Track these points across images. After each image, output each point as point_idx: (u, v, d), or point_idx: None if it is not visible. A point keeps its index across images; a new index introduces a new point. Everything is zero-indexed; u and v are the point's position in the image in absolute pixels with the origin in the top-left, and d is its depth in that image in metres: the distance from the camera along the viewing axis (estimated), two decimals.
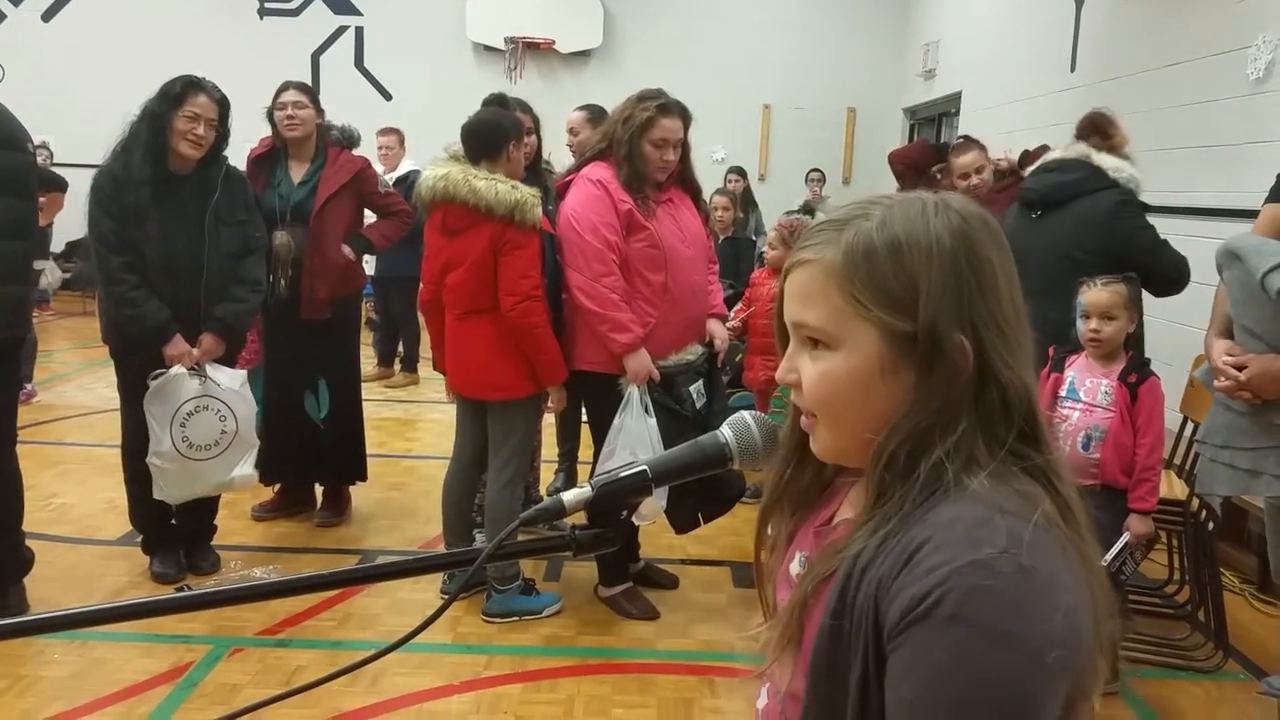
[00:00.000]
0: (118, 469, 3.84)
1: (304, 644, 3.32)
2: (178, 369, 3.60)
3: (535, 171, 4.06)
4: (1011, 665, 0.74)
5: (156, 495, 3.67)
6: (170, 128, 3.53)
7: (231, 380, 3.73)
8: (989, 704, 0.74)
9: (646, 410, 3.37)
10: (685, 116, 3.45)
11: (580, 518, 0.95)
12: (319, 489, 4.55)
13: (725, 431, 0.99)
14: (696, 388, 3.53)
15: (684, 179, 3.59)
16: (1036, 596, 0.75)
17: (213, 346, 3.67)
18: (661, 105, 3.39)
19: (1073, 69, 6.59)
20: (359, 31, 11.20)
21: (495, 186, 3.26)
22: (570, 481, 4.93)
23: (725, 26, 11.05)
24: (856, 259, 0.87)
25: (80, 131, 9.74)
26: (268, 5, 11.09)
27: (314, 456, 4.38)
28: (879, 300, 0.87)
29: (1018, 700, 0.74)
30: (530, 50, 10.97)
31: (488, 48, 10.97)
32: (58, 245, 9.69)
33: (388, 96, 11.07)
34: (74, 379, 7.40)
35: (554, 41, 10.94)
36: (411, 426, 6.28)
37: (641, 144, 3.36)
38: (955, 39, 9.33)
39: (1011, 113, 7.53)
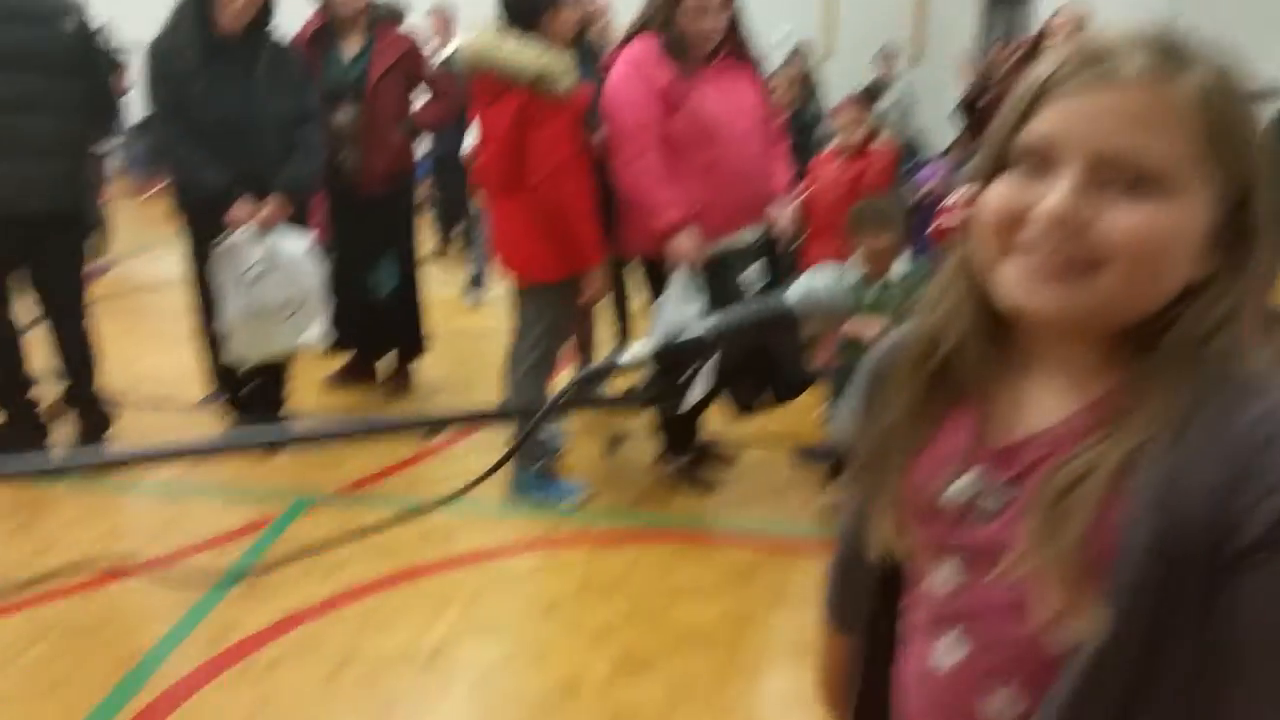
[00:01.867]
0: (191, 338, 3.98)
1: (376, 503, 3.47)
2: (243, 232, 3.63)
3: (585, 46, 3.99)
4: None
5: (225, 360, 3.79)
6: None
7: (298, 244, 3.76)
8: None
9: (694, 294, 3.27)
10: None
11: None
12: (382, 366, 4.66)
13: (791, 291, 0.93)
14: (753, 272, 3.41)
15: (737, 47, 3.38)
16: None
17: (278, 210, 3.69)
18: None
19: None
20: None
21: (522, 53, 3.09)
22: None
23: None
24: (1217, 97, 0.75)
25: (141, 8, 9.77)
26: None
27: (378, 331, 4.49)
28: (1232, 153, 0.75)
29: None
30: None
31: None
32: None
33: None
34: (150, 251, 7.56)
35: None
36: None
37: (677, 10, 3.19)
38: None
39: None
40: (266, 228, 3.67)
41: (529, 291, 3.45)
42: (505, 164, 3.23)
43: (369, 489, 3.57)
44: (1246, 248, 0.76)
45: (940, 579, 0.88)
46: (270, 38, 3.69)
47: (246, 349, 3.77)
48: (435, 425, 0.94)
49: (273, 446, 0.86)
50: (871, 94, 6.37)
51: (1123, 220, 0.73)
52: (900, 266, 3.37)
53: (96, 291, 5.67)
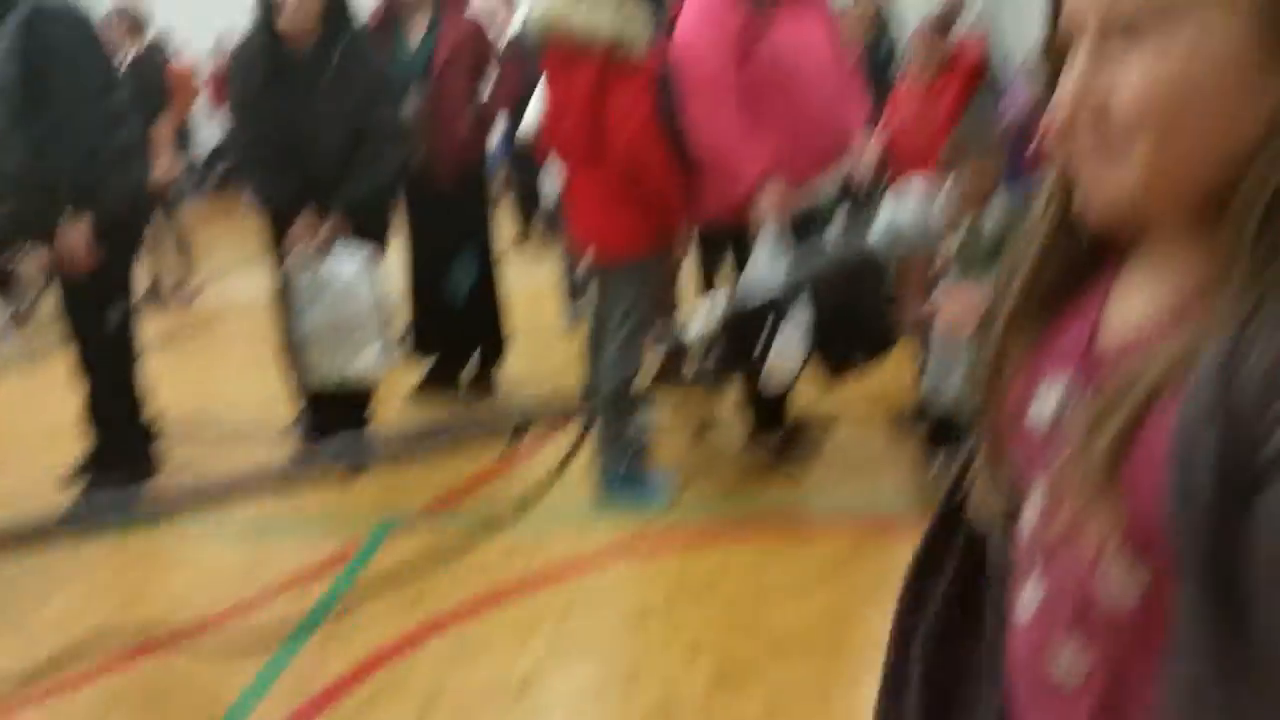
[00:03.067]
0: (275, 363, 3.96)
1: (463, 519, 3.37)
2: (302, 250, 3.58)
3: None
4: None
5: (300, 384, 3.75)
6: (277, 8, 3.48)
7: (349, 266, 3.65)
8: None
9: (784, 250, 3.08)
10: None
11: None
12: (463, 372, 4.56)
13: (874, 231, 0.84)
14: (840, 218, 3.24)
15: None
16: None
17: (334, 230, 3.61)
18: None
19: None
20: None
21: (597, 14, 2.95)
22: None
23: None
24: None
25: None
26: None
27: (458, 335, 4.40)
28: None
29: None
30: None
31: None
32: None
33: None
34: (238, 274, 7.67)
35: None
36: (554, 296, 6.24)
37: None
38: None
39: None
40: (322, 249, 3.60)
41: (614, 268, 3.31)
42: (584, 134, 3.12)
43: (454, 506, 3.48)
44: None
45: (1029, 512, 0.75)
46: (341, 45, 3.58)
47: (311, 374, 3.73)
48: (511, 427, 0.90)
49: (345, 466, 0.80)
50: (946, 22, 5.97)
51: (1127, 79, 0.62)
52: (996, 206, 3.06)
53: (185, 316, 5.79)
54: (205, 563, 3.27)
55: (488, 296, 4.40)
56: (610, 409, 3.32)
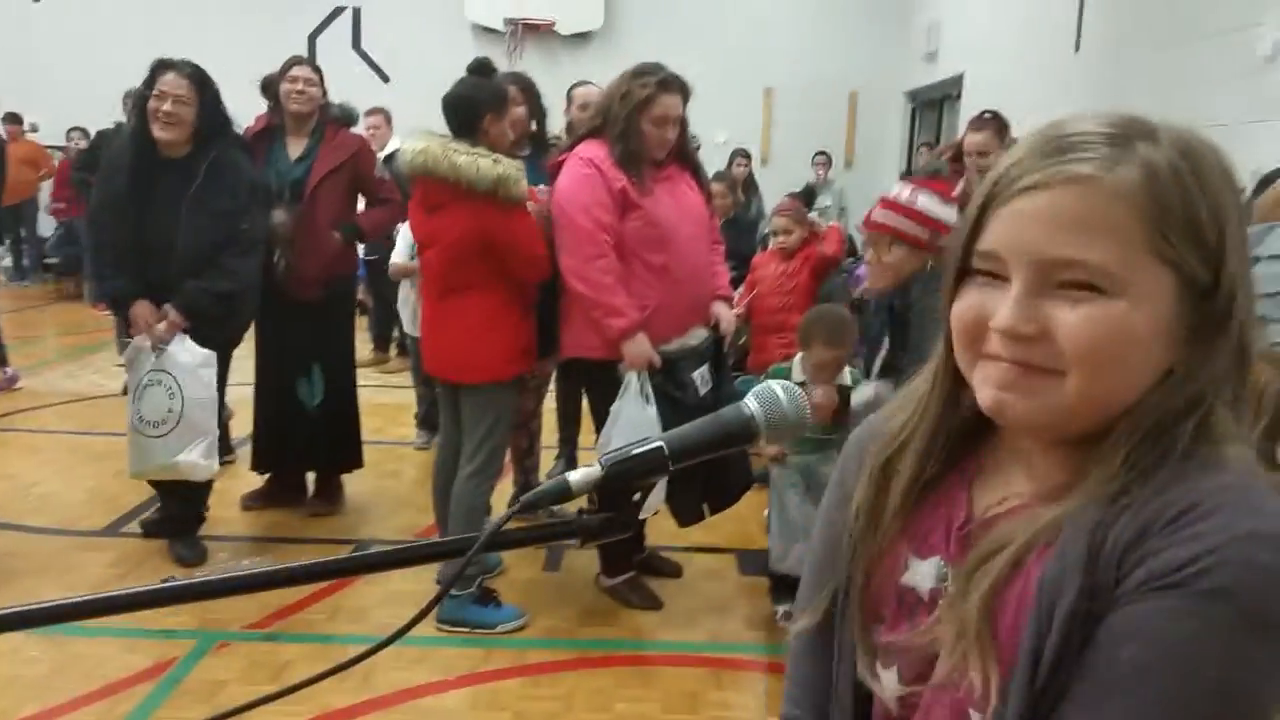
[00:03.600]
0: (103, 457, 3.74)
1: (293, 638, 3.20)
2: (140, 340, 3.51)
3: (540, 146, 3.96)
4: (1263, 660, 0.65)
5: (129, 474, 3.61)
6: (149, 112, 3.46)
7: (191, 359, 3.55)
8: (1222, 694, 0.65)
9: (647, 399, 3.22)
10: (685, 92, 3.29)
11: (583, 503, 0.83)
12: (311, 478, 4.42)
13: (750, 403, 0.85)
14: (701, 373, 3.36)
15: (682, 154, 3.42)
16: None
17: (173, 320, 3.52)
18: (661, 81, 3.22)
19: (1077, 49, 6.45)
20: (356, 12, 11.04)
21: (476, 162, 3.06)
22: (571, 467, 4.78)
23: (726, 8, 10.90)
24: (1165, 183, 0.71)
25: (65, 111, 9.67)
26: None
27: (306, 444, 4.25)
28: (1189, 239, 0.71)
29: (1250, 698, 0.66)
30: (530, 32, 10.82)
31: (487, 29, 10.82)
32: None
33: (385, 79, 10.90)
34: (60, 365, 7.26)
35: (554, 22, 10.78)
36: (407, 412, 6.13)
37: (640, 122, 3.20)
38: (957, 19, 9.19)
39: (1015, 94, 7.39)
40: (161, 338, 3.51)
41: (469, 392, 3.33)
42: (454, 266, 3.21)
43: (286, 621, 3.30)
44: (1216, 329, 0.73)
45: (888, 679, 0.86)
46: (214, 152, 3.56)
47: (135, 462, 3.58)
48: (373, 565, 0.85)
49: (183, 599, 0.73)
50: (808, 195, 6.39)
51: (1072, 325, 0.71)
52: (846, 376, 3.30)
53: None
54: (12, 666, 2.98)
55: (342, 408, 4.30)
56: (469, 518, 3.28)
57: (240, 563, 3.78)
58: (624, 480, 0.82)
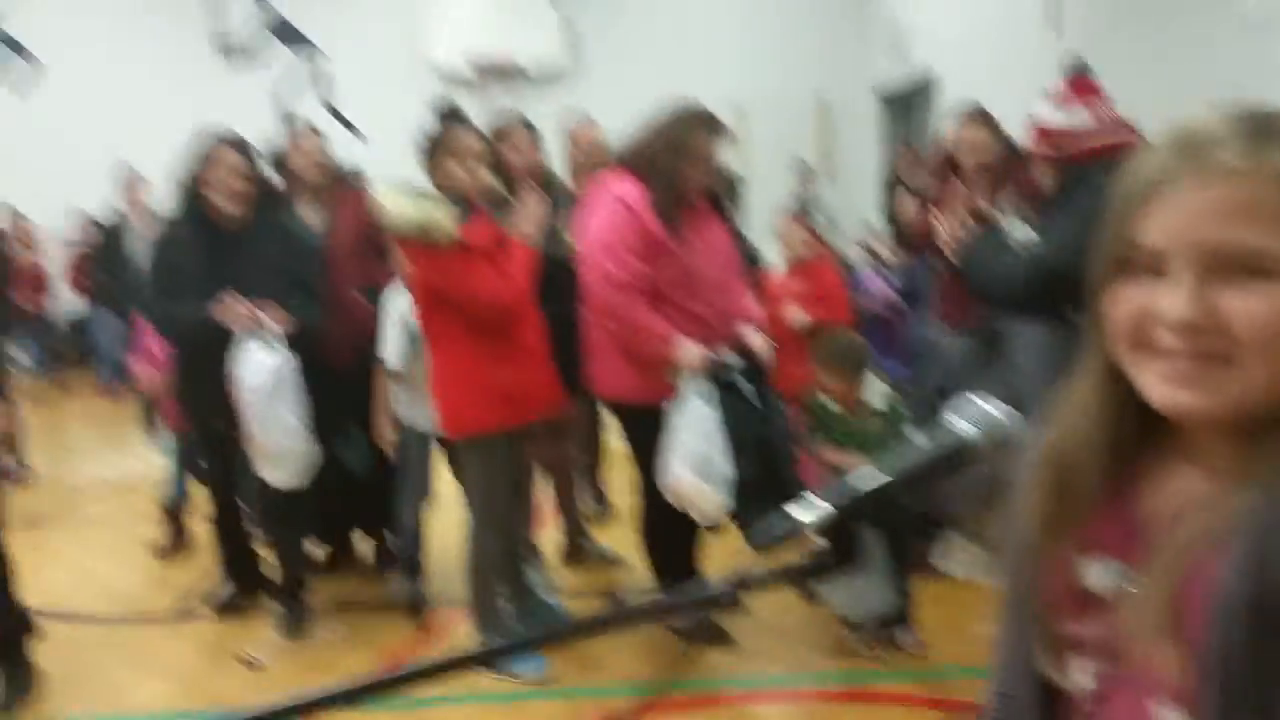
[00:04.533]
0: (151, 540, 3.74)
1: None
2: (246, 340, 3.41)
3: (550, 185, 4.00)
4: None
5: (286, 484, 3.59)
6: (205, 187, 3.50)
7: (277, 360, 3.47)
8: None
9: (708, 402, 3.14)
10: (726, 133, 3.34)
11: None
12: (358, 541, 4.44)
13: (958, 422, 0.85)
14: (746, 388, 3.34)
15: (710, 191, 3.44)
16: None
17: (277, 316, 3.47)
18: (707, 125, 3.25)
19: (1060, 34, 6.52)
20: (321, 72, 11.13)
21: (403, 206, 3.05)
22: (601, 499, 4.85)
23: (688, 30, 11.02)
24: None
25: (57, 197, 9.71)
26: (229, 51, 11.04)
27: (355, 509, 4.31)
28: None
29: None
30: (496, 76, 10.93)
31: (454, 79, 10.94)
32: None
33: (358, 134, 10.96)
34: (92, 453, 7.27)
35: (515, 59, 10.92)
36: None
37: (683, 166, 3.21)
38: (928, 14, 9.29)
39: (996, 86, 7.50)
40: (253, 327, 3.42)
41: (459, 447, 3.35)
42: (422, 317, 3.25)
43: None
44: None
45: (1079, 673, 0.88)
46: (271, 217, 3.63)
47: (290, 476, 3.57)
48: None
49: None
50: (803, 210, 6.49)
51: (1247, 312, 0.74)
52: (877, 397, 3.42)
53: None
54: None
55: (386, 469, 4.34)
56: (481, 579, 3.32)
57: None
58: (856, 515, 0.84)
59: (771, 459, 3.32)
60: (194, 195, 3.53)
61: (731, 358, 3.35)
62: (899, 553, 3.23)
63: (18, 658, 3.25)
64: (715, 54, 10.94)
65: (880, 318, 5.24)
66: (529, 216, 3.44)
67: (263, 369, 3.40)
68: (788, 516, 0.83)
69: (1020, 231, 3.33)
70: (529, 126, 4.04)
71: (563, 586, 3.94)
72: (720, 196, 3.59)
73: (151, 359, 4.30)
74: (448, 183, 3.19)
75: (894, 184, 6.53)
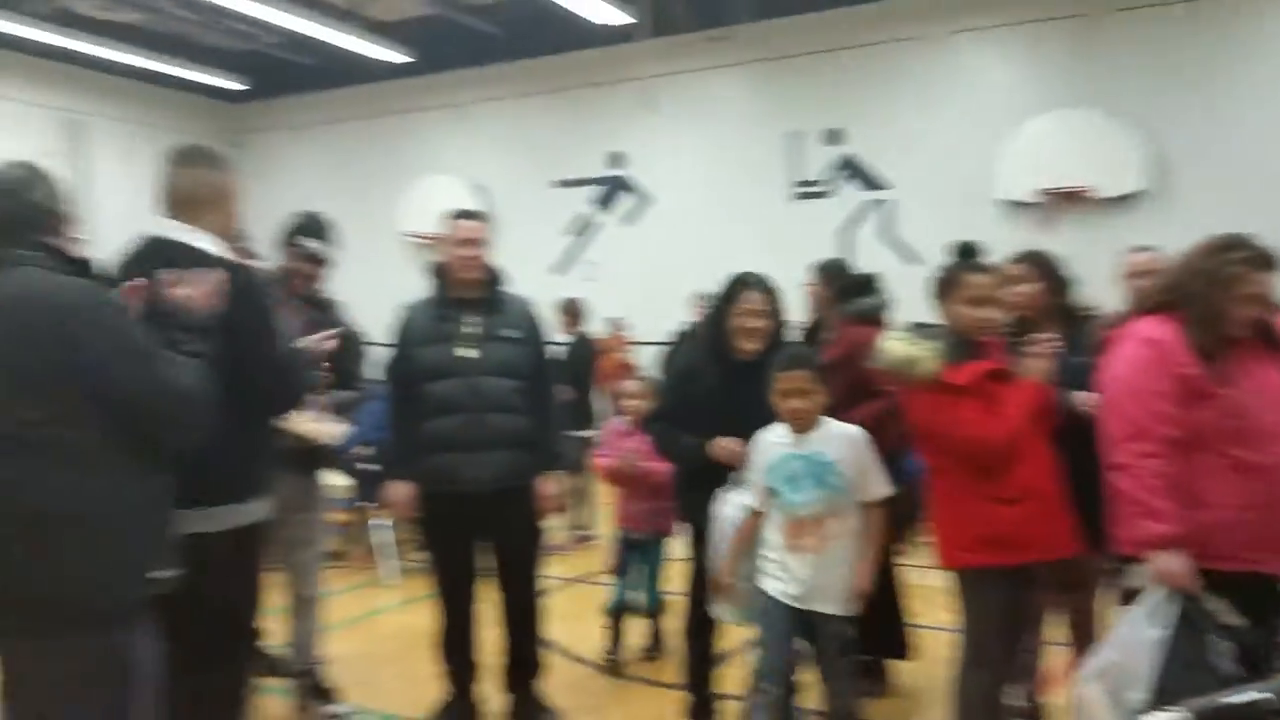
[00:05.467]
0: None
1: None
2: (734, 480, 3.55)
3: (1069, 319, 3.78)
4: None
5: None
6: (728, 321, 3.69)
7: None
8: None
9: (1159, 622, 2.73)
10: (1276, 267, 2.91)
11: None
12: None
13: None
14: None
15: (1257, 326, 2.94)
16: None
17: None
18: (1251, 258, 2.87)
19: None
20: (884, 204, 11.71)
21: (894, 342, 3.20)
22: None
23: None
24: None
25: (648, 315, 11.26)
26: (799, 190, 12.25)
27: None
28: None
29: None
30: (1064, 201, 10.62)
31: (1017, 202, 10.83)
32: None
33: (917, 260, 11.25)
34: None
35: (1090, 189, 10.51)
36: None
37: (1224, 302, 2.85)
38: None
39: None
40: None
41: (959, 579, 3.23)
42: (921, 449, 3.33)
43: None
44: None
45: None
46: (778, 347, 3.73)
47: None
48: None
49: None
50: None
51: None
52: None
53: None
54: None
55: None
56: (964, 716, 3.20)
57: None
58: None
59: None
60: (717, 328, 3.74)
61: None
62: None
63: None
64: None
65: None
66: (1038, 356, 3.32)
67: (739, 509, 3.55)
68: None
69: None
70: (1039, 262, 3.86)
71: None
72: (1276, 335, 3.05)
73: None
74: (954, 323, 3.24)
75: None
